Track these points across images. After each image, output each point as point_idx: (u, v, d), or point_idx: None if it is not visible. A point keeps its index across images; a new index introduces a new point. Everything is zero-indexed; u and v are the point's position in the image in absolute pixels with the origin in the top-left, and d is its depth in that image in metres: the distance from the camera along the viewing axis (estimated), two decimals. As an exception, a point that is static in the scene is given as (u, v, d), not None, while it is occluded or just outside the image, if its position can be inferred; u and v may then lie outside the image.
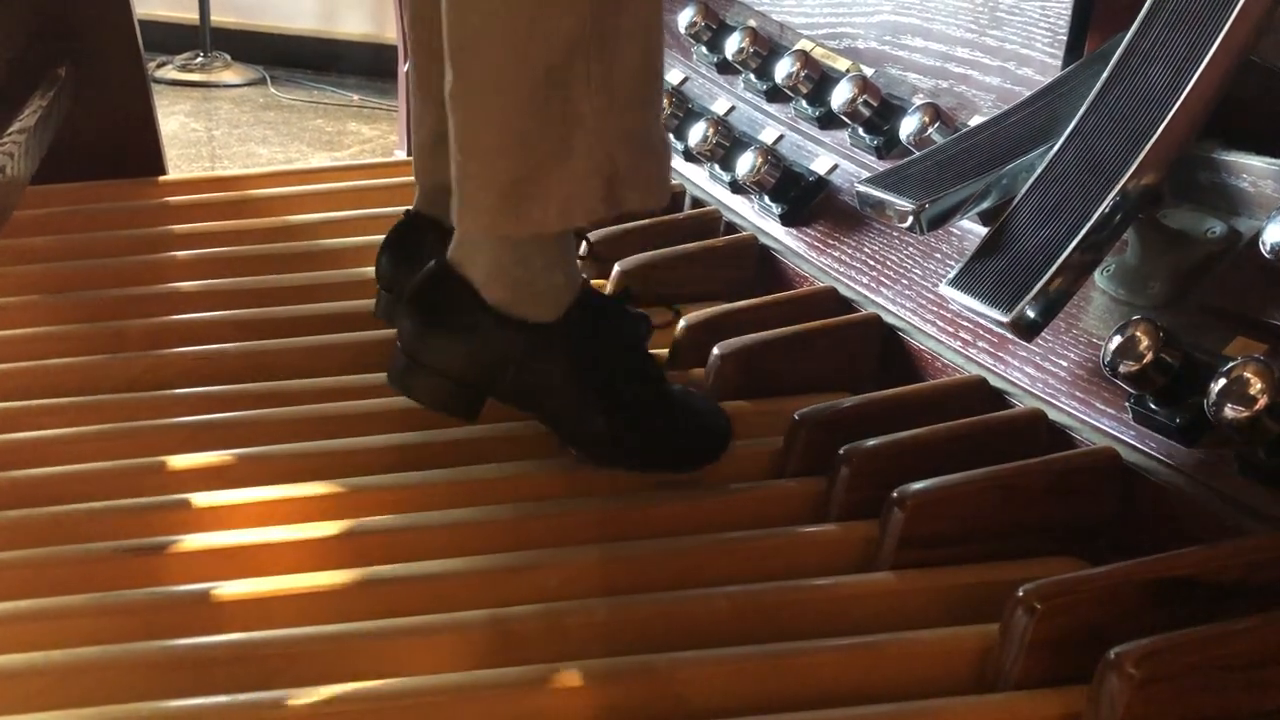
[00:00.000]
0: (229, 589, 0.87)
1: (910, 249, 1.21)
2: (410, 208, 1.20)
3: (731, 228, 1.39)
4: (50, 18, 1.61)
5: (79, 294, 1.35)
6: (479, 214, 0.94)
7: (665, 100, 1.49)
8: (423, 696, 0.77)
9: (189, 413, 1.12)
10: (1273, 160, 0.95)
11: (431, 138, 1.15)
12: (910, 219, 1.04)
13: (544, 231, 0.94)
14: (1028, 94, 1.11)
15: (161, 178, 1.68)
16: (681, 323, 1.19)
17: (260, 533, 0.93)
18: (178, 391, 1.16)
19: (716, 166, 1.42)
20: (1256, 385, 0.80)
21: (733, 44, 1.46)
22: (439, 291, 0.96)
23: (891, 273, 1.21)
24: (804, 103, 1.37)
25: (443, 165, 1.09)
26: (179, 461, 1.03)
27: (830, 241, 1.28)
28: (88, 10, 1.62)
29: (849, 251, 1.26)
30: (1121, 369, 0.88)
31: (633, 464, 0.99)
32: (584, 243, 1.22)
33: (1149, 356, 0.87)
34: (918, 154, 1.13)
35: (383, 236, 1.28)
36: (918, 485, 0.91)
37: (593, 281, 1.31)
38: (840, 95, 1.28)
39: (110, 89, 1.65)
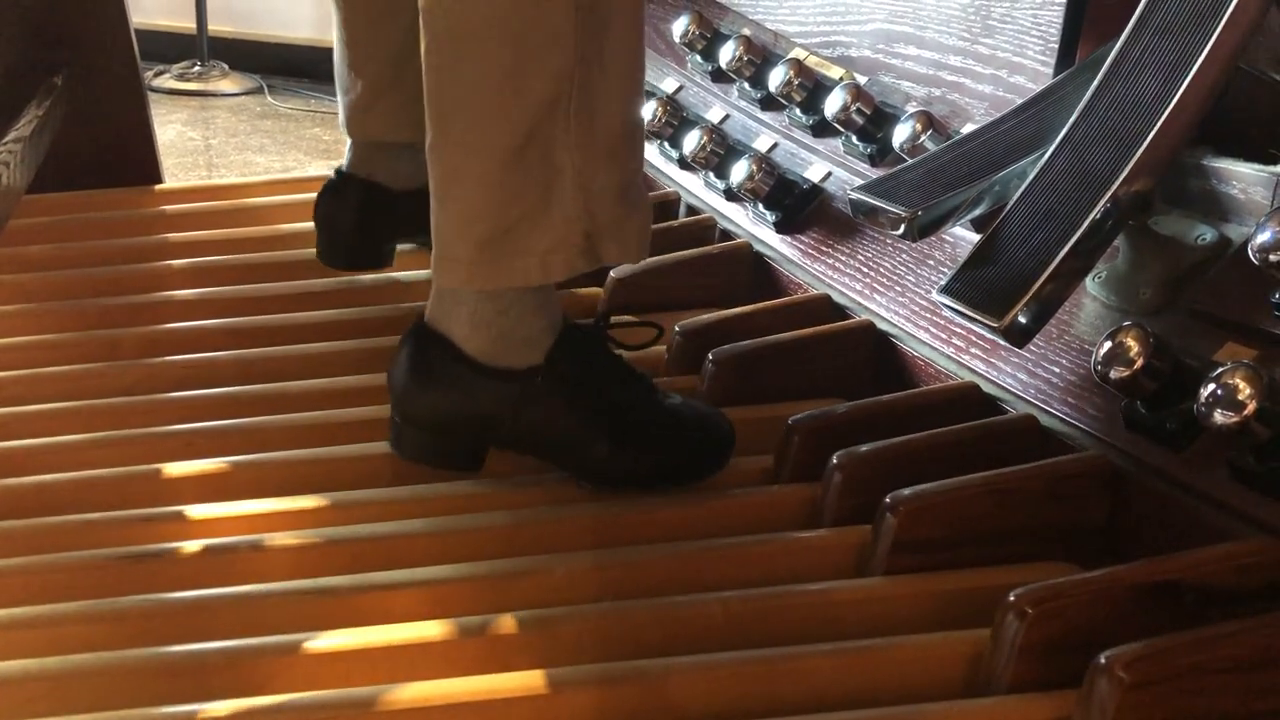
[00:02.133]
0: (223, 596, 0.87)
1: (903, 256, 1.22)
2: (341, 166, 1.29)
3: (726, 235, 1.39)
4: (46, 26, 1.61)
5: (74, 302, 1.35)
6: (456, 268, 0.93)
7: (660, 108, 1.50)
8: (415, 702, 0.77)
9: (184, 420, 1.12)
10: (1262, 167, 0.95)
11: (369, 96, 1.25)
12: (903, 226, 1.05)
13: (525, 284, 0.93)
14: (1020, 101, 1.12)
15: (157, 186, 1.69)
16: (676, 329, 1.19)
17: (254, 539, 0.94)
18: (173, 398, 1.16)
19: (711, 174, 1.42)
20: (1246, 391, 0.81)
21: (727, 52, 1.46)
22: (422, 350, 0.96)
23: (885, 280, 1.21)
24: (798, 111, 1.38)
25: (377, 124, 1.24)
26: (175, 469, 1.03)
27: (824, 249, 1.29)
28: (84, 19, 1.62)
29: (843, 259, 1.26)
30: (1112, 375, 0.88)
31: (643, 483, 0.99)
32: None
33: (1139, 362, 0.87)
34: (910, 161, 1.13)
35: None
36: (910, 491, 0.91)
37: (587, 289, 1.31)
38: (834, 103, 1.29)
39: (106, 97, 1.65)
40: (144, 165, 1.69)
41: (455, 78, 0.90)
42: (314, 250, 1.34)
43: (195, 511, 0.97)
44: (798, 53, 1.43)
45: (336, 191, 1.30)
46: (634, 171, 0.96)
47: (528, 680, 0.79)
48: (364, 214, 1.28)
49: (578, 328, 0.99)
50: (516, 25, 0.88)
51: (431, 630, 0.84)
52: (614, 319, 1.02)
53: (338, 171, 1.30)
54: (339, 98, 1.29)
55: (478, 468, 0.99)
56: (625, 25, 0.92)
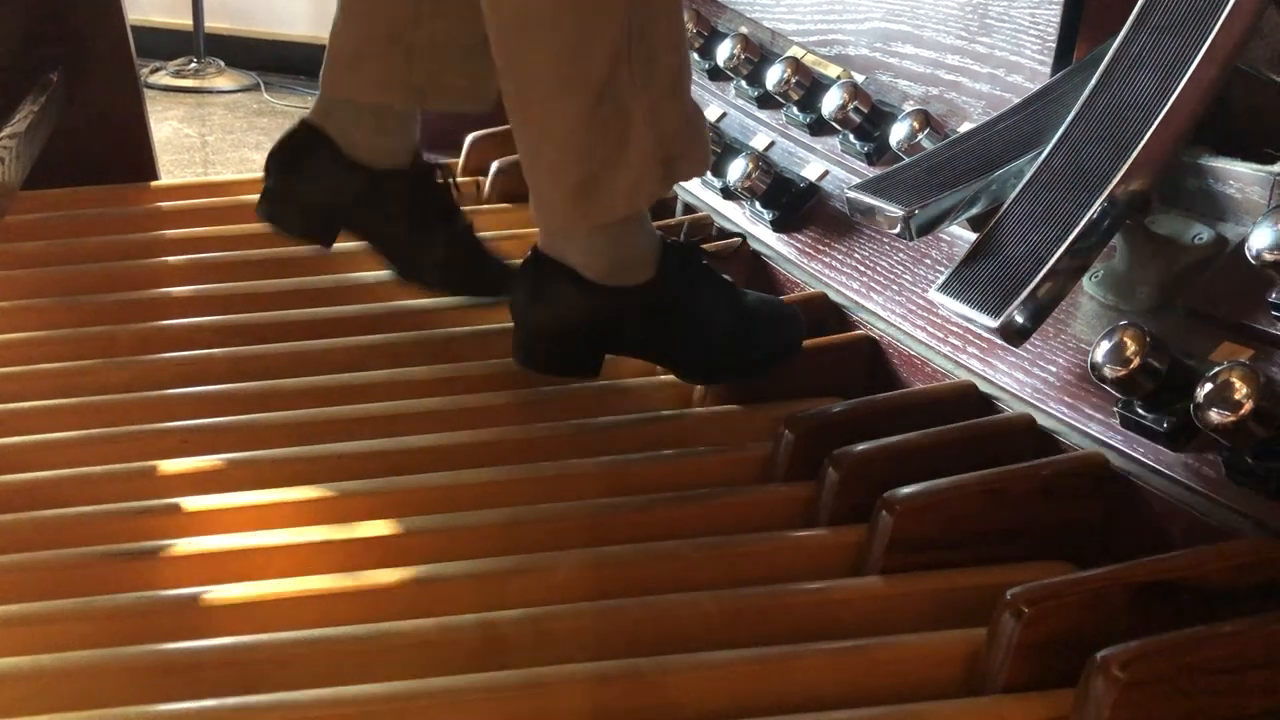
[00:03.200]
0: (219, 593, 0.87)
1: (900, 255, 1.21)
2: (305, 117, 1.24)
3: (723, 233, 1.39)
4: (42, 23, 1.61)
5: (70, 299, 1.35)
6: (554, 212, 1.04)
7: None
8: (411, 701, 0.77)
9: (180, 417, 1.12)
10: (1259, 167, 0.95)
11: (354, 48, 1.20)
12: (899, 225, 1.05)
13: (615, 218, 1.04)
14: (1017, 100, 1.12)
15: (153, 183, 1.68)
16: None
17: (250, 537, 0.93)
18: (167, 394, 1.16)
19: (708, 172, 1.42)
20: (1242, 390, 0.81)
21: (724, 51, 1.46)
22: (543, 275, 1.05)
23: (882, 278, 1.21)
24: (795, 109, 1.38)
25: (354, 83, 1.19)
26: (169, 466, 1.03)
27: (821, 247, 1.29)
28: (80, 16, 1.62)
29: (839, 257, 1.26)
30: (1109, 374, 0.88)
31: (740, 374, 1.11)
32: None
33: (1136, 361, 0.87)
34: (907, 160, 1.13)
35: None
36: (906, 490, 0.91)
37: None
38: (831, 102, 1.29)
39: (102, 94, 1.65)
40: (139, 161, 1.69)
41: (527, 56, 1.01)
42: (310, 248, 1.34)
43: (189, 508, 0.97)
44: (795, 51, 1.43)
45: (296, 148, 1.22)
46: (690, 95, 1.07)
47: (523, 678, 0.79)
48: (323, 181, 1.21)
49: (678, 244, 1.10)
50: None
51: (427, 628, 0.83)
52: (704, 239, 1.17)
53: (301, 123, 1.24)
54: (328, 45, 1.24)
55: (598, 371, 1.09)
56: None
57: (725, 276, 1.12)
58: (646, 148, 1.02)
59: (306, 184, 1.22)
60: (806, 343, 1.15)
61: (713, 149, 1.39)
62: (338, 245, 1.46)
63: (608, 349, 1.09)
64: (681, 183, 1.11)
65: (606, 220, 1.04)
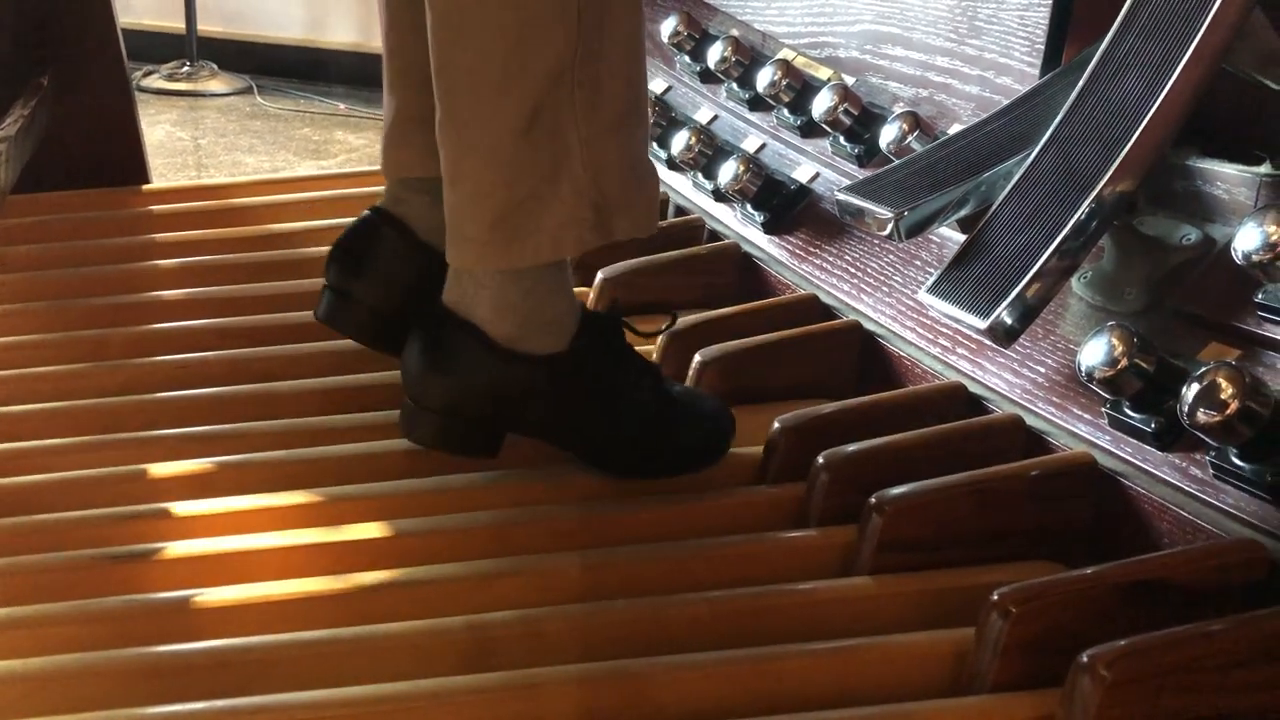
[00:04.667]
0: (209, 596, 0.87)
1: (890, 256, 1.22)
2: (378, 205, 1.11)
3: (714, 235, 1.39)
4: (32, 26, 1.61)
5: (61, 302, 1.35)
6: (469, 247, 0.93)
7: (648, 108, 1.50)
8: (401, 702, 0.77)
9: (171, 421, 1.12)
10: (1246, 168, 0.96)
11: (399, 123, 1.09)
12: (889, 226, 1.05)
13: (536, 263, 0.93)
14: (1006, 102, 1.12)
15: (145, 186, 1.68)
16: (664, 330, 1.20)
17: (241, 540, 0.93)
18: (160, 398, 1.16)
19: (699, 175, 1.42)
20: (1229, 390, 0.81)
21: (715, 53, 1.46)
22: (442, 334, 0.94)
23: (872, 280, 1.21)
24: (786, 111, 1.38)
25: (404, 160, 1.07)
26: (160, 469, 1.03)
27: (812, 249, 1.29)
28: (70, 18, 1.62)
29: (830, 259, 1.27)
30: (1097, 374, 0.89)
31: (651, 473, 1.00)
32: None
33: (1124, 362, 0.87)
34: (897, 162, 1.14)
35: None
36: (896, 491, 0.91)
37: (576, 289, 1.31)
38: (821, 104, 1.29)
39: (93, 97, 1.65)
40: (131, 165, 1.69)
41: (460, 53, 0.90)
42: (303, 250, 1.34)
43: (180, 512, 0.97)
44: (786, 53, 1.43)
45: (363, 236, 1.09)
46: (641, 143, 0.96)
47: (512, 680, 0.79)
48: (393, 270, 1.07)
49: (597, 315, 0.99)
50: None
51: (416, 629, 0.83)
52: (625, 310, 1.02)
53: (373, 210, 1.10)
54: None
55: (495, 452, 0.98)
56: None
57: (650, 360, 1.02)
58: (580, 186, 0.92)
59: (375, 274, 1.07)
60: (795, 331, 1.15)
61: (704, 151, 1.40)
62: (326, 249, 1.46)
63: (510, 428, 0.97)
64: (620, 239, 0.96)
65: (527, 262, 0.92)
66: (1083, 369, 0.89)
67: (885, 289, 1.19)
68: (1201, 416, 0.82)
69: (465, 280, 0.95)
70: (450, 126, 0.92)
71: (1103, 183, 0.93)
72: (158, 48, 3.59)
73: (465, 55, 0.90)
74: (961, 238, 1.05)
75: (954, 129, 1.17)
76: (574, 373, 0.95)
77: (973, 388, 1.06)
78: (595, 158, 0.92)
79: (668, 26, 1.55)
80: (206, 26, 3.63)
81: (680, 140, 1.42)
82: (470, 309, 0.94)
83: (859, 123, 1.29)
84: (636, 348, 1.02)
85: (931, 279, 1.00)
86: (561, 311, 0.96)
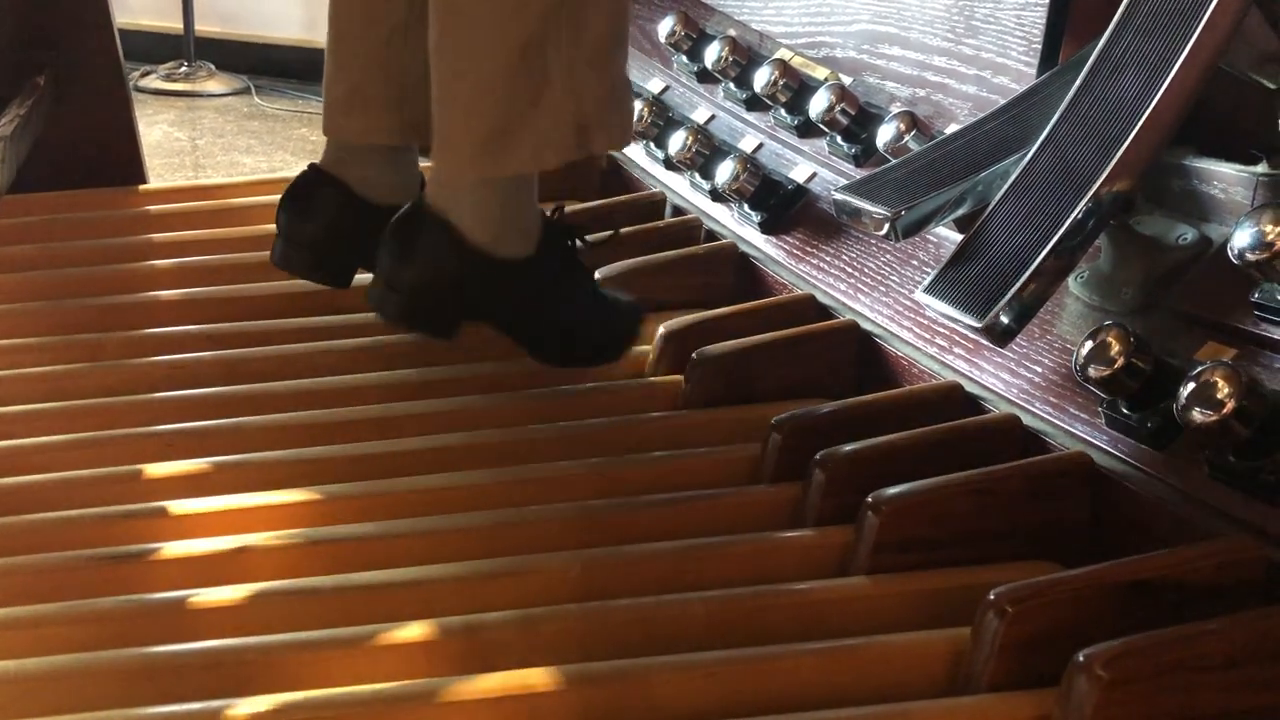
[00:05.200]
0: (205, 596, 0.87)
1: (887, 256, 1.22)
2: (314, 163, 1.23)
3: (711, 235, 1.39)
4: (29, 26, 1.60)
5: (57, 303, 1.35)
6: (459, 158, 1.03)
7: (645, 108, 1.50)
8: (398, 703, 0.77)
9: (167, 421, 1.12)
10: (1242, 167, 0.96)
11: (347, 95, 1.21)
12: (886, 226, 1.05)
13: (519, 173, 1.04)
14: (1003, 102, 1.12)
15: (142, 186, 1.68)
16: (661, 330, 1.20)
17: (236, 540, 0.93)
18: (155, 398, 1.16)
19: (697, 175, 1.42)
20: (1225, 390, 0.81)
21: (712, 53, 1.46)
22: (419, 229, 1.04)
23: (869, 280, 1.21)
24: (783, 111, 1.38)
25: (356, 125, 1.20)
26: (156, 470, 1.03)
27: (809, 249, 1.29)
28: (67, 18, 1.62)
29: (827, 259, 1.27)
30: (1094, 374, 0.89)
31: (584, 361, 1.14)
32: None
33: (1120, 362, 0.87)
34: (894, 162, 1.14)
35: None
36: (893, 490, 0.91)
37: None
38: (818, 104, 1.29)
39: (90, 97, 1.65)
40: (128, 165, 1.68)
41: None
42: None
43: (176, 511, 0.97)
44: (783, 53, 1.43)
45: (306, 191, 1.23)
46: (620, 68, 1.08)
47: (509, 680, 0.79)
48: (333, 221, 1.21)
49: (553, 221, 1.11)
50: None
51: (414, 630, 0.83)
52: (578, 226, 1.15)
53: (311, 167, 1.24)
54: (323, 95, 1.28)
55: (452, 335, 1.09)
56: None
57: (588, 272, 1.16)
58: (561, 107, 1.02)
59: (316, 224, 1.21)
60: (791, 332, 1.15)
61: (702, 151, 1.41)
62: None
63: (470, 316, 1.08)
64: (597, 152, 1.09)
65: (507, 172, 1.04)
66: (1079, 368, 0.89)
67: (882, 288, 1.19)
68: (1198, 416, 0.82)
69: (446, 186, 1.05)
70: (449, 52, 1.02)
71: (1099, 182, 0.93)
72: (155, 48, 3.59)
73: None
74: (958, 237, 1.05)
75: (951, 129, 1.17)
76: (537, 275, 1.07)
77: (970, 387, 1.06)
78: (576, 84, 1.03)
79: (665, 26, 1.55)
80: (204, 27, 3.63)
81: (677, 140, 1.42)
82: (449, 209, 1.04)
83: (856, 122, 1.29)
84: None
85: (928, 278, 1.00)
86: (530, 220, 1.08)
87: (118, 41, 1.66)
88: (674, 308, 1.27)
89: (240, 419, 1.11)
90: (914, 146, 1.19)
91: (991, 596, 0.79)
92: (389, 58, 1.18)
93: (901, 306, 1.16)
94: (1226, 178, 0.96)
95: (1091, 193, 0.93)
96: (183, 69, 3.60)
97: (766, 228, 1.33)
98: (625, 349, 1.16)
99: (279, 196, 1.60)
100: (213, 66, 3.62)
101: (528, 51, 1.00)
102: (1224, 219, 0.96)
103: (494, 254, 1.05)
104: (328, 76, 1.25)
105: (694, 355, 1.14)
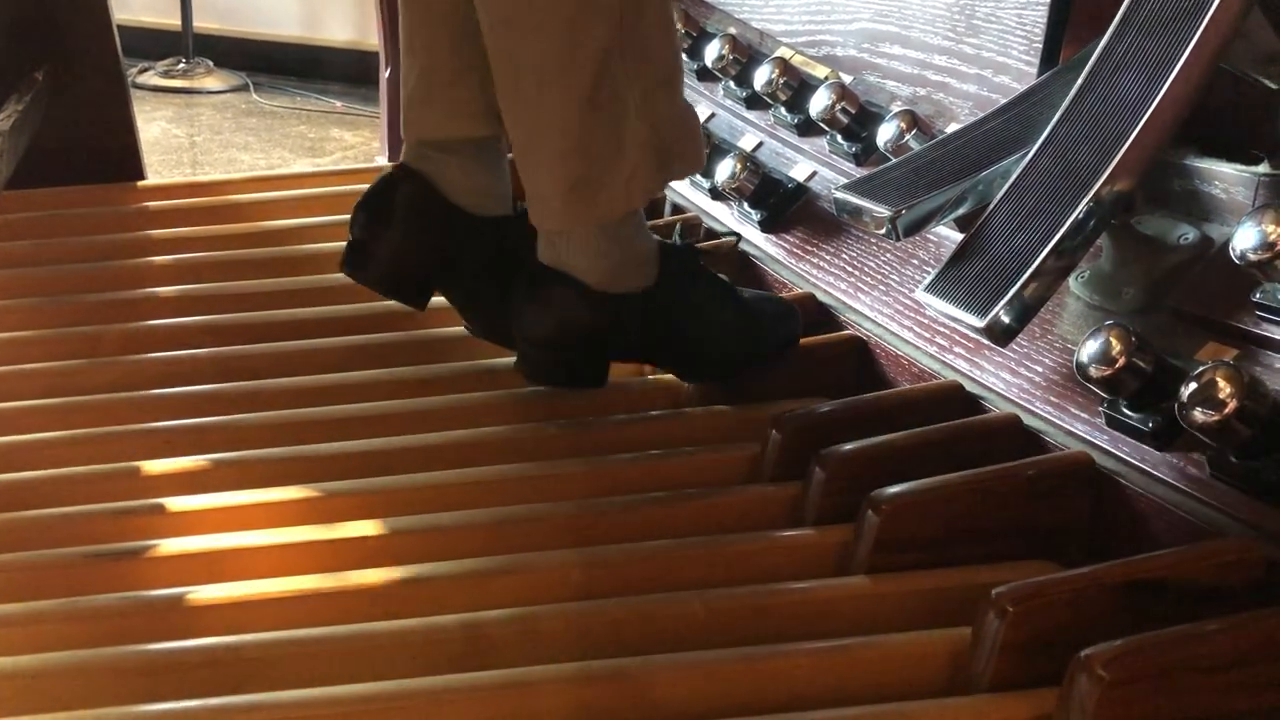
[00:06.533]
0: (202, 593, 0.87)
1: (887, 255, 1.22)
2: (399, 162, 1.13)
3: (711, 234, 1.39)
4: (28, 21, 1.60)
5: (55, 298, 1.34)
6: (552, 213, 1.03)
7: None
8: (395, 700, 0.77)
9: (165, 417, 1.11)
10: (1244, 167, 0.95)
11: (421, 82, 1.12)
12: (886, 225, 1.05)
13: (613, 215, 1.03)
14: (1004, 101, 1.12)
15: (140, 182, 1.68)
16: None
17: (234, 537, 0.93)
18: (153, 395, 1.16)
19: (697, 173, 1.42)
20: (1226, 390, 0.81)
21: (713, 51, 1.46)
22: (544, 287, 1.04)
23: (869, 279, 1.21)
24: (783, 110, 1.38)
25: (431, 119, 1.13)
26: (154, 466, 1.03)
27: (808, 248, 1.29)
28: (66, 14, 1.61)
29: (827, 258, 1.26)
30: (1095, 374, 0.88)
31: (737, 369, 1.11)
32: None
33: (1121, 361, 0.87)
34: (895, 161, 1.13)
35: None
36: (893, 489, 0.91)
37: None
38: (819, 102, 1.29)
39: (88, 93, 1.64)
40: (126, 161, 1.68)
41: (521, 44, 1.00)
42: (297, 247, 1.33)
43: (173, 508, 0.96)
44: (783, 52, 1.43)
45: (386, 190, 1.10)
46: (681, 92, 1.08)
47: (508, 679, 0.78)
48: (415, 225, 1.09)
49: (674, 246, 1.10)
50: None
51: (411, 627, 0.83)
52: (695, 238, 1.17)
53: (397, 166, 1.12)
54: (401, 95, 1.16)
55: (604, 380, 1.08)
56: None
57: (722, 275, 1.13)
58: (641, 139, 1.02)
59: (395, 229, 1.10)
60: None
61: (707, 147, 1.40)
62: (326, 245, 1.47)
63: (614, 356, 1.08)
64: (675, 180, 1.11)
65: (605, 217, 1.03)
66: (1080, 368, 0.89)
67: (882, 288, 1.19)
68: (1199, 416, 0.81)
69: (556, 239, 1.04)
70: (520, 110, 1.02)
71: (1100, 182, 0.93)
72: (153, 44, 3.58)
73: (526, 45, 1.00)
74: (959, 236, 1.05)
75: (952, 128, 1.17)
76: (666, 300, 1.06)
77: (970, 387, 1.06)
78: (650, 113, 1.03)
79: (665, 24, 1.55)
80: (202, 23, 3.62)
81: (677, 138, 1.41)
82: (566, 261, 1.04)
83: (856, 121, 1.28)
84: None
85: (929, 278, 1.00)
86: (646, 249, 1.07)
87: (116, 38, 1.66)
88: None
89: (239, 415, 1.11)
90: (914, 145, 1.18)
91: (992, 596, 0.79)
92: (460, 36, 1.08)
93: (902, 306, 1.16)
94: (1228, 178, 0.96)
95: (1093, 192, 0.93)
96: (181, 66, 3.59)
97: (766, 226, 1.33)
98: (783, 351, 1.12)
99: (276, 194, 1.62)
100: (211, 63, 3.61)
101: (597, 87, 0.99)
102: (1225, 219, 0.96)
103: (614, 291, 1.04)
104: (402, 73, 1.16)
105: (693, 353, 1.14)
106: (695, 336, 1.08)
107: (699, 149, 1.09)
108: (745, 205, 1.35)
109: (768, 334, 1.11)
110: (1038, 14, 1.15)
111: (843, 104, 1.28)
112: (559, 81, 0.99)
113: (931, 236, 1.17)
